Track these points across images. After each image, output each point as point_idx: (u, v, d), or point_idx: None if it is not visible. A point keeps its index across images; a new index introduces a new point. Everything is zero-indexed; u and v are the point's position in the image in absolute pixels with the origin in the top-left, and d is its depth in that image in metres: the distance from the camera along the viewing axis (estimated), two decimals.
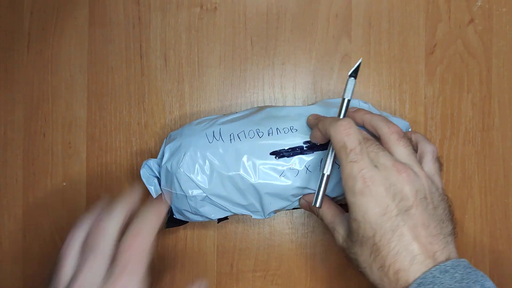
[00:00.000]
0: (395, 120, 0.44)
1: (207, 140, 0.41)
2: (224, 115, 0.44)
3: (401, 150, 0.35)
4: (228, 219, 0.44)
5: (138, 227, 0.34)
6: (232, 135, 0.41)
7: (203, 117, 0.45)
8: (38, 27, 0.48)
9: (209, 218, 0.42)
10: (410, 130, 0.44)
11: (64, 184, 0.48)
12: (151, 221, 0.34)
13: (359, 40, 0.48)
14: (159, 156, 0.43)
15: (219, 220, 0.44)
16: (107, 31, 0.48)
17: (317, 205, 0.36)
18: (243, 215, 0.45)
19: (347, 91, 0.37)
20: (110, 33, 0.48)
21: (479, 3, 0.48)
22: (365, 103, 0.43)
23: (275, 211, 0.43)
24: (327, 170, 0.36)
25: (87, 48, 0.48)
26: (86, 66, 0.48)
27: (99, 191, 0.48)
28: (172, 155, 0.41)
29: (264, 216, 0.42)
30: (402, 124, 0.44)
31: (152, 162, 0.43)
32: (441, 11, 0.48)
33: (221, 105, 0.48)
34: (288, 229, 0.48)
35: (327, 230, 0.48)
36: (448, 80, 0.48)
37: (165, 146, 0.43)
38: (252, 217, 0.43)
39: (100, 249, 0.32)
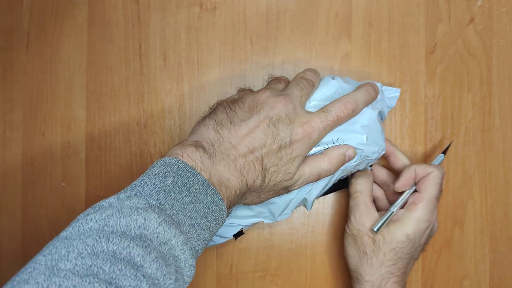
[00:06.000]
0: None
1: None
2: None
3: None
4: (244, 233, 0.44)
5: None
6: None
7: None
8: (37, 26, 0.48)
9: (226, 238, 0.42)
10: (383, 87, 0.44)
11: (63, 184, 0.48)
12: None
13: (359, 40, 0.48)
14: None
15: (236, 236, 0.43)
16: (106, 30, 0.48)
17: (375, 229, 0.40)
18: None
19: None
20: (110, 32, 0.48)
21: (479, 3, 0.48)
22: (333, 78, 0.42)
23: (283, 213, 0.43)
24: (394, 208, 0.42)
25: (86, 47, 0.48)
26: (85, 65, 0.48)
27: (98, 191, 0.48)
28: None
29: (275, 219, 0.42)
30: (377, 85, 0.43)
31: None
32: (441, 11, 0.48)
33: None
34: (288, 229, 0.48)
35: (326, 231, 0.48)
36: (448, 80, 0.48)
37: None
38: (265, 222, 0.42)
39: None
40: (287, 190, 0.38)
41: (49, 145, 0.48)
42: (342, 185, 0.45)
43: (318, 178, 0.39)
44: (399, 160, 0.44)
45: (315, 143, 0.38)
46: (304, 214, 0.48)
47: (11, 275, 0.48)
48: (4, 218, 0.48)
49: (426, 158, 0.48)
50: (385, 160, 0.46)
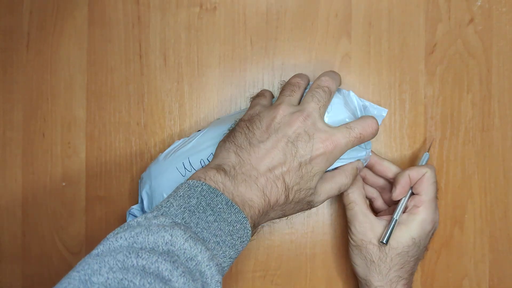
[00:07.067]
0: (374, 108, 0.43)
1: (179, 173, 0.41)
2: (187, 139, 0.43)
3: None
4: None
5: None
6: (202, 161, 0.40)
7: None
8: (38, 27, 0.48)
9: None
10: (370, 104, 0.43)
11: (64, 184, 0.48)
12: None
13: (359, 40, 0.48)
14: (139, 201, 0.43)
15: None
16: (106, 30, 0.48)
17: (384, 241, 0.40)
18: None
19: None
20: (110, 32, 0.48)
21: (479, 3, 0.48)
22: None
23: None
24: (397, 216, 0.41)
25: (86, 47, 0.48)
26: (85, 65, 0.48)
27: (99, 191, 0.48)
28: (150, 198, 0.42)
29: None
30: (380, 111, 0.43)
31: (135, 210, 0.43)
32: (441, 11, 0.48)
33: (221, 105, 0.48)
34: (287, 229, 0.48)
35: (326, 231, 0.48)
36: (448, 80, 0.48)
37: (140, 191, 0.43)
38: None
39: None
40: (310, 205, 0.38)
41: (49, 145, 0.48)
42: None
43: (338, 192, 0.40)
44: (387, 168, 0.44)
45: (336, 158, 0.37)
46: (304, 214, 0.48)
47: (11, 275, 0.48)
48: (4, 218, 0.48)
49: None
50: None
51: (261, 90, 0.44)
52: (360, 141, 0.38)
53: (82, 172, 0.48)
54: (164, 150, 0.48)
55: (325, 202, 0.48)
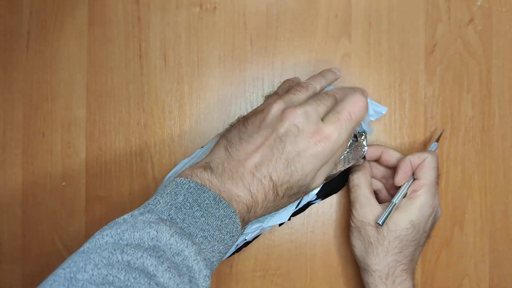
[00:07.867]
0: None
1: None
2: (189, 158, 0.44)
3: None
4: (290, 219, 0.45)
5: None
6: None
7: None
8: (38, 26, 0.48)
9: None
10: (384, 110, 0.45)
11: (64, 184, 0.48)
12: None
13: (359, 40, 0.48)
14: None
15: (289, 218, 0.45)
16: (106, 30, 0.48)
17: (380, 223, 0.41)
18: None
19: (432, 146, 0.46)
20: (110, 32, 0.48)
21: (479, 3, 0.48)
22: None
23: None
24: (397, 200, 0.42)
25: (86, 47, 0.48)
26: (85, 65, 0.48)
27: (99, 191, 0.48)
28: None
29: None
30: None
31: None
32: (441, 11, 0.48)
33: (221, 105, 0.48)
34: (287, 229, 0.48)
35: (326, 231, 0.48)
36: (448, 80, 0.48)
37: None
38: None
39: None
40: (307, 193, 0.38)
41: (49, 145, 0.48)
42: (339, 187, 0.46)
43: (334, 165, 0.39)
44: (392, 156, 0.44)
45: (333, 152, 0.35)
46: (304, 214, 0.48)
47: (11, 275, 0.48)
48: (4, 218, 0.48)
49: None
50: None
51: (278, 88, 0.42)
52: (354, 122, 0.36)
53: (82, 172, 0.48)
54: (164, 151, 0.48)
55: (326, 203, 0.48)
